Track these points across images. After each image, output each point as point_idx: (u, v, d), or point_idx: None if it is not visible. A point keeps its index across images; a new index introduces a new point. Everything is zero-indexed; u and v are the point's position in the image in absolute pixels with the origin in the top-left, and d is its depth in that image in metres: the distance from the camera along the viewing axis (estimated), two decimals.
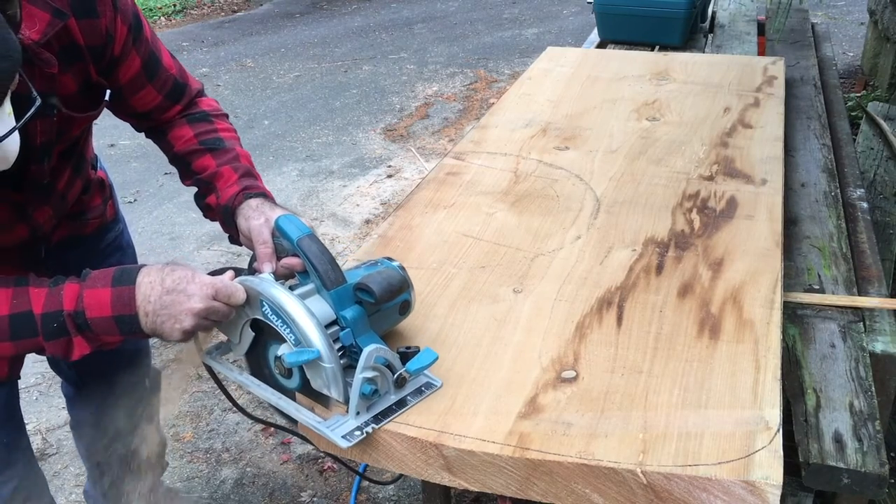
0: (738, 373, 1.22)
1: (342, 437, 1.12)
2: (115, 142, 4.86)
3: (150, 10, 7.99)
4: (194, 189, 1.48)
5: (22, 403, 1.58)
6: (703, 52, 3.44)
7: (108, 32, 1.26)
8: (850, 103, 4.09)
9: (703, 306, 1.39)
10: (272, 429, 2.61)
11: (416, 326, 1.36)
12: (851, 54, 5.93)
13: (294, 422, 1.23)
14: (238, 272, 1.26)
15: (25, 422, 1.61)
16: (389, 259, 1.31)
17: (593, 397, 1.18)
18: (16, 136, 1.03)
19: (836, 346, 1.60)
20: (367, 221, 3.97)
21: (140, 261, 1.55)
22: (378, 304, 1.20)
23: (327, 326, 1.16)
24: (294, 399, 1.22)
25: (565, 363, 1.26)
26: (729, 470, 1.02)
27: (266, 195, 1.39)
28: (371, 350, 1.13)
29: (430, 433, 1.12)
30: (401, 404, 1.17)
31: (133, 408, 1.82)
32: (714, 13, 3.97)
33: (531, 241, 1.63)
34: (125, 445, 1.79)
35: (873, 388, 1.49)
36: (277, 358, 1.20)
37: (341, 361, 1.14)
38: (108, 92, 1.33)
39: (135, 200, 4.26)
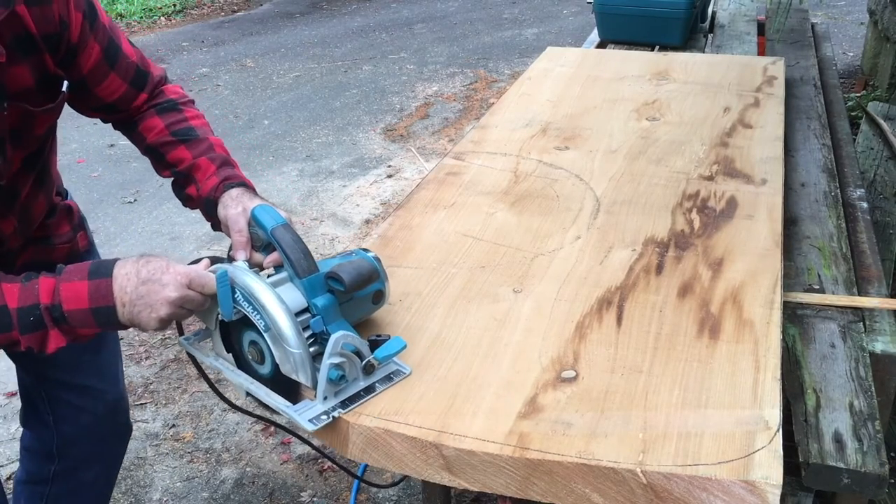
0: (737, 373, 1.22)
1: (309, 420, 1.15)
2: (114, 142, 4.85)
3: (150, 10, 7.99)
4: (171, 179, 1.49)
5: None
6: (703, 52, 3.44)
7: (62, 19, 1.25)
8: (850, 103, 4.09)
9: (703, 306, 1.39)
10: (272, 428, 2.61)
11: (416, 326, 1.36)
12: (851, 54, 5.93)
13: (270, 410, 1.26)
14: (215, 261, 1.28)
15: None
16: (365, 250, 1.34)
17: (593, 397, 1.18)
18: None
19: (836, 346, 1.60)
20: (367, 221, 3.97)
21: None
22: (348, 293, 1.23)
23: (298, 314, 1.19)
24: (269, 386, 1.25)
25: (565, 363, 1.26)
26: (729, 470, 1.02)
27: (246, 184, 1.41)
28: (338, 336, 1.15)
29: (429, 433, 1.12)
30: (369, 390, 1.19)
31: (107, 477, 1.81)
32: (714, 13, 3.97)
33: (531, 241, 1.63)
34: None
35: (873, 388, 1.49)
36: (251, 343, 1.24)
37: (312, 349, 1.18)
38: (66, 84, 1.31)
39: (135, 200, 4.26)
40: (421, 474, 1.15)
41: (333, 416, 1.15)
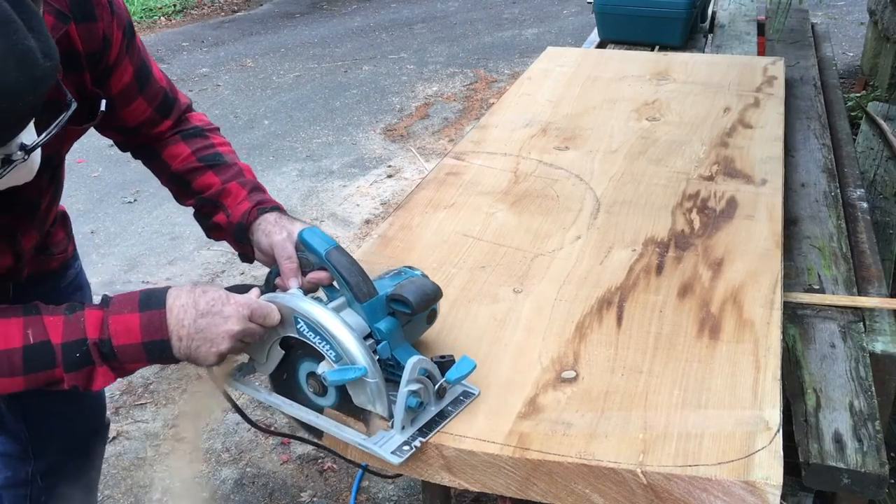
0: (737, 373, 1.22)
1: (391, 453, 1.09)
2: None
3: (150, 10, 7.99)
4: (192, 208, 1.43)
5: None
6: (703, 52, 3.44)
7: (106, 37, 1.21)
8: (850, 103, 4.09)
9: (703, 306, 1.39)
10: (272, 428, 2.61)
11: None
12: (851, 54, 5.93)
13: (315, 434, 1.20)
14: (249, 288, 1.22)
15: None
16: (410, 268, 1.29)
17: (593, 397, 1.18)
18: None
19: (836, 346, 1.60)
20: (367, 221, 3.97)
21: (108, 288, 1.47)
22: (413, 315, 1.17)
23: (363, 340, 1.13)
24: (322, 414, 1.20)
25: (565, 363, 1.26)
26: (729, 470, 1.02)
27: (280, 208, 1.35)
28: (416, 362, 1.10)
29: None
30: (442, 415, 1.14)
31: (88, 469, 1.76)
32: (714, 13, 3.97)
33: (531, 241, 1.63)
34: None
35: (873, 388, 1.49)
36: (310, 375, 1.17)
37: None
38: (104, 102, 1.25)
39: (135, 200, 4.26)
40: (421, 474, 1.15)
41: (415, 446, 1.10)
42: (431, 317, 1.26)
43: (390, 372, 1.14)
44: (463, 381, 1.18)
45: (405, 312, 1.17)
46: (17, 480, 1.68)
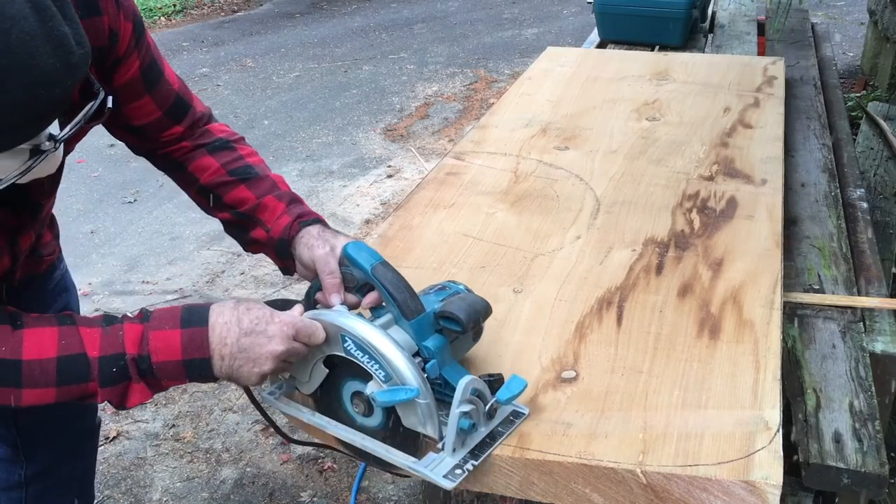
0: (737, 373, 1.22)
1: (443, 476, 1.05)
2: (114, 142, 4.85)
3: (150, 10, 7.99)
4: (223, 221, 1.39)
5: None
6: (703, 52, 3.44)
7: (112, 30, 1.18)
8: (850, 103, 4.09)
9: (703, 306, 1.39)
10: (272, 428, 2.61)
11: None
12: (851, 54, 5.93)
13: (359, 454, 1.18)
14: (291, 304, 1.19)
15: None
16: (454, 282, 1.25)
17: (593, 397, 1.18)
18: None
19: (836, 346, 1.60)
20: (367, 221, 3.97)
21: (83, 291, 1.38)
22: (463, 332, 1.14)
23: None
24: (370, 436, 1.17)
25: (565, 363, 1.26)
26: (729, 470, 1.02)
27: (321, 221, 1.32)
28: (468, 382, 1.06)
29: None
30: (493, 436, 1.11)
31: (83, 470, 1.74)
32: (714, 13, 3.97)
33: (531, 241, 1.63)
34: None
35: (873, 388, 1.49)
36: (355, 394, 1.15)
37: None
38: (111, 98, 1.21)
39: (135, 200, 4.26)
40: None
41: (467, 470, 1.06)
42: (478, 333, 1.22)
43: (438, 391, 1.10)
44: (513, 402, 1.14)
45: (454, 330, 1.13)
46: (11, 483, 1.66)
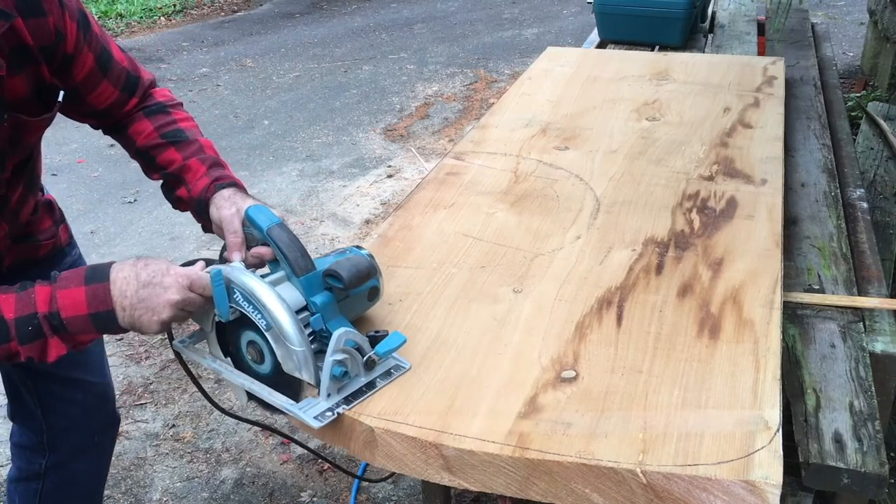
0: (737, 373, 1.22)
1: (314, 417, 1.15)
2: (114, 142, 4.85)
3: (150, 10, 7.99)
4: (160, 183, 1.50)
5: None
6: (703, 52, 3.44)
7: (58, 30, 1.26)
8: (850, 103, 4.09)
9: (703, 306, 1.39)
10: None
11: (416, 326, 1.36)
12: (851, 54, 5.93)
13: (271, 409, 1.26)
14: (209, 262, 1.29)
15: None
16: (358, 247, 1.35)
17: (593, 397, 1.18)
18: None
19: (836, 346, 1.60)
20: (367, 221, 3.97)
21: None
22: (347, 290, 1.24)
23: (298, 312, 1.20)
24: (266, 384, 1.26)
25: (565, 363, 1.26)
26: (729, 470, 1.02)
27: (237, 184, 1.41)
28: (341, 333, 1.16)
29: (429, 433, 1.12)
30: (370, 386, 1.20)
31: (99, 467, 1.81)
32: (714, 13, 3.97)
33: (531, 241, 1.63)
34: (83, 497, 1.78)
35: (873, 388, 1.49)
36: (250, 343, 1.24)
37: (312, 346, 1.18)
38: (62, 93, 1.32)
39: (135, 200, 4.26)
40: (421, 474, 1.15)
41: (337, 413, 1.16)
42: (373, 294, 1.32)
43: (324, 344, 1.18)
44: (394, 355, 1.24)
45: (339, 287, 1.22)
46: (30, 473, 1.73)
